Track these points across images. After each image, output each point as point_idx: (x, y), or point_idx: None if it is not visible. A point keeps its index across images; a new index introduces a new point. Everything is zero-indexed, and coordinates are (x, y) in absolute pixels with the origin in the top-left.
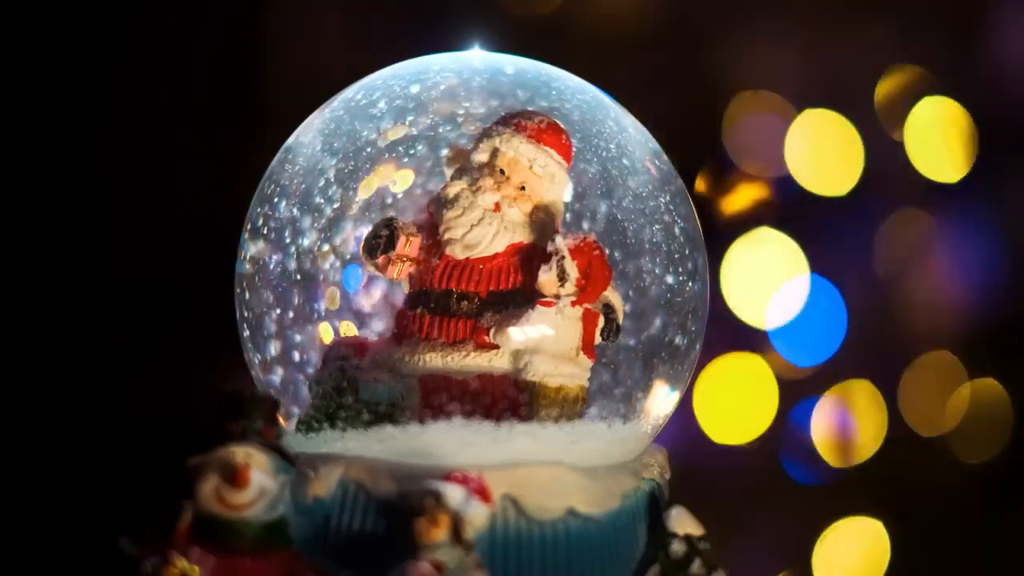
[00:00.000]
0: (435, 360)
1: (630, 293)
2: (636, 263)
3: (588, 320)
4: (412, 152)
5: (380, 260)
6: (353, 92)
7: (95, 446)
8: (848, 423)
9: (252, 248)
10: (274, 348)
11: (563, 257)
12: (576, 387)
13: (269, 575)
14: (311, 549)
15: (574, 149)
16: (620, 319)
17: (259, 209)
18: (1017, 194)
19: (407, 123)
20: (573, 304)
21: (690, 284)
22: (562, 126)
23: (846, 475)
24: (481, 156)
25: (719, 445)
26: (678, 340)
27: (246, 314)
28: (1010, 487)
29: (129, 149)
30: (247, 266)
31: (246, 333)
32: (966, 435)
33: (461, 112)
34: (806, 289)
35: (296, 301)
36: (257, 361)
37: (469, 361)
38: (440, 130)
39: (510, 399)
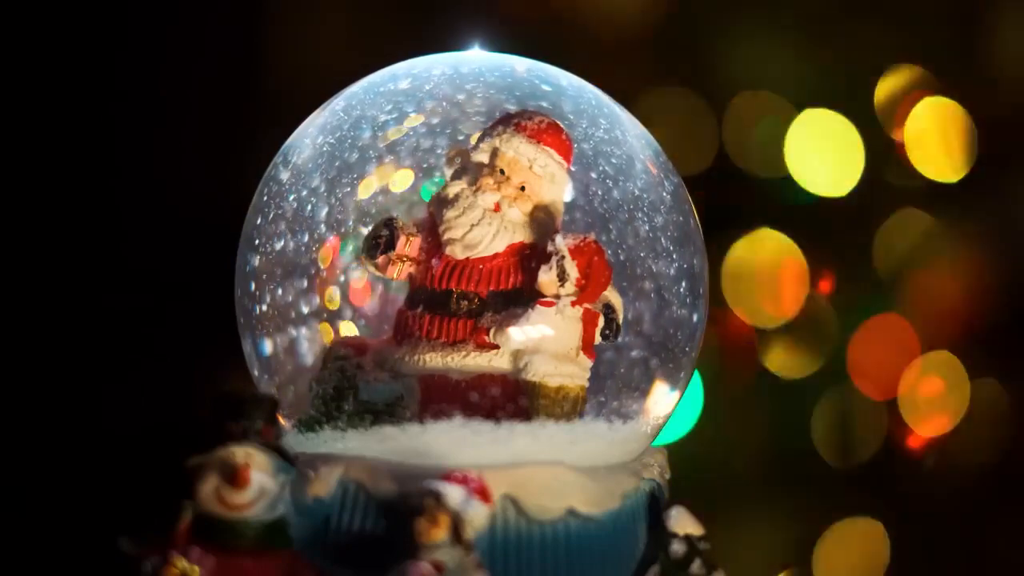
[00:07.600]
0: (435, 360)
1: (629, 293)
2: (635, 263)
3: (588, 320)
4: (411, 152)
5: (380, 260)
6: (353, 92)
7: (95, 446)
8: None
9: (251, 248)
10: (272, 348)
11: (563, 257)
12: (576, 387)
13: (269, 575)
14: (311, 549)
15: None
16: (620, 319)
17: (259, 209)
18: (1017, 194)
19: (407, 123)
20: (573, 304)
21: (689, 283)
22: (562, 126)
23: (846, 475)
24: (481, 156)
25: (719, 444)
26: (678, 339)
27: (244, 316)
28: (1010, 487)
29: (129, 149)
30: (247, 266)
31: (246, 333)
32: (966, 435)
33: (460, 112)
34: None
35: (295, 301)
36: (256, 362)
37: (469, 361)
38: (440, 130)
39: (510, 399)
